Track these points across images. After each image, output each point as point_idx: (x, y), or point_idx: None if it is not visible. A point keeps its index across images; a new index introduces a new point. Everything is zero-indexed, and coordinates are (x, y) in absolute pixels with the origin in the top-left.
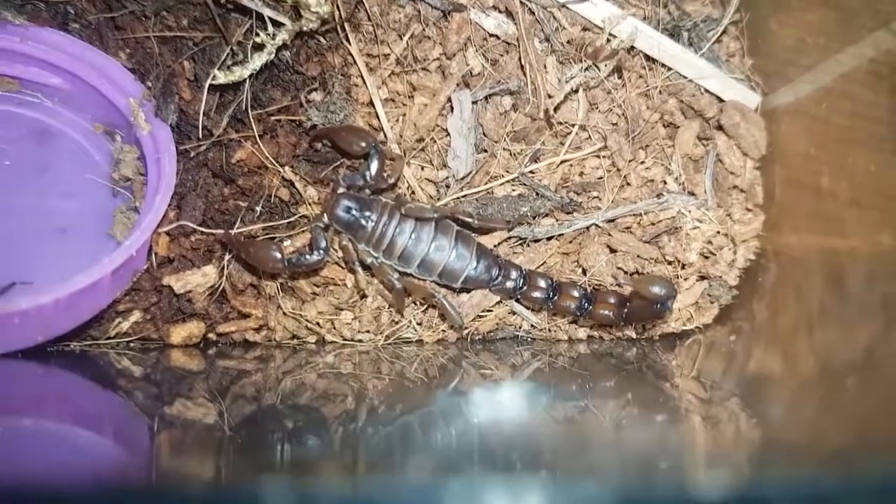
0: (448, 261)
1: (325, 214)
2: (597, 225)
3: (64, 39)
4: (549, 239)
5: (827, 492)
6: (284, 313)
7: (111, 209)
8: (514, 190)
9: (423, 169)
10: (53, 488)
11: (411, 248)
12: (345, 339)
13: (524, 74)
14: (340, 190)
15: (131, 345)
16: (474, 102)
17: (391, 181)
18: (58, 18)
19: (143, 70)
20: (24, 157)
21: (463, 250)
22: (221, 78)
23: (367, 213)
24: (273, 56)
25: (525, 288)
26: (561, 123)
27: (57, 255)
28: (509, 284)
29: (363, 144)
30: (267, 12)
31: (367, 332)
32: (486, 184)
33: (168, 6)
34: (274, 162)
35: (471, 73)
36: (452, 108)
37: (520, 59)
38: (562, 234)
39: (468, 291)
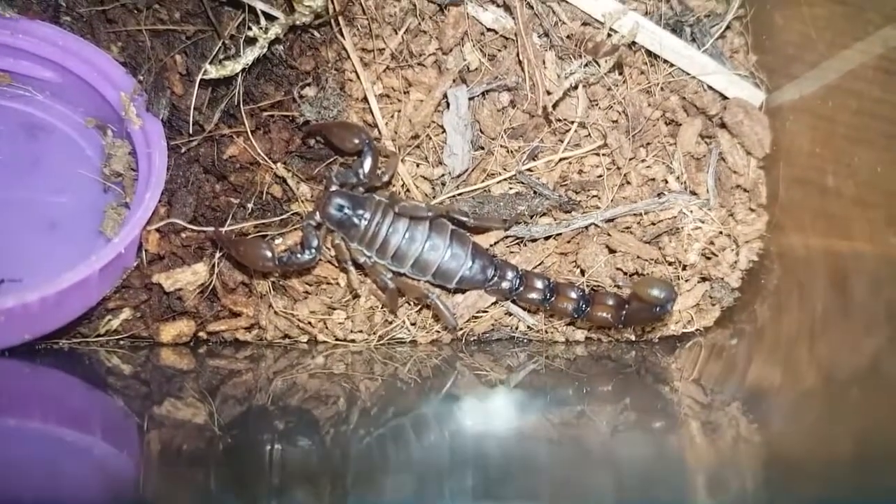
0: (443, 260)
1: (317, 212)
2: (596, 224)
3: (55, 32)
4: (546, 239)
5: None
6: (276, 312)
7: (102, 205)
8: (511, 188)
9: (418, 166)
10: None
11: (405, 247)
12: (337, 339)
13: (522, 70)
14: (333, 187)
15: (121, 343)
16: (471, 98)
17: (385, 179)
18: (49, 11)
19: (135, 64)
20: (15, 151)
21: (458, 250)
22: (213, 72)
23: (360, 212)
24: (266, 50)
25: (521, 289)
26: (560, 120)
27: (47, 252)
28: (505, 285)
29: (356, 141)
30: (259, 5)
31: (360, 332)
32: (482, 182)
33: None
34: (266, 158)
35: (468, 68)
36: (448, 105)
37: (518, 54)
38: (560, 234)
39: (463, 292)
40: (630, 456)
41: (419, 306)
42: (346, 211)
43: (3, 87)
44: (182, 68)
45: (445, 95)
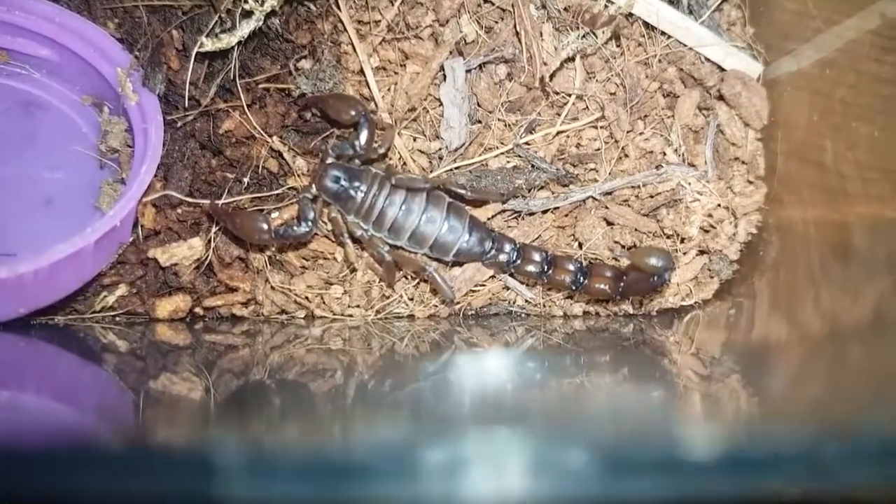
0: (440, 233)
1: (313, 185)
2: (594, 198)
3: (51, 9)
4: (544, 212)
5: (829, 451)
6: (272, 287)
7: (98, 181)
8: (508, 162)
9: (415, 140)
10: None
11: (401, 219)
12: (334, 314)
13: (519, 42)
14: (329, 160)
15: (117, 319)
16: (468, 71)
17: (381, 151)
18: None
19: (132, 40)
20: (12, 128)
21: (455, 222)
22: (209, 45)
23: (356, 184)
24: (261, 23)
25: (519, 261)
26: (557, 93)
27: (43, 227)
28: (502, 258)
29: (352, 113)
30: None
31: (358, 306)
32: (479, 155)
33: None
34: (262, 132)
35: (464, 40)
36: (445, 77)
37: (515, 25)
38: (557, 208)
39: (461, 265)
40: (623, 410)
41: (417, 280)
42: (343, 183)
43: (1, 64)
44: (178, 44)
45: (442, 68)
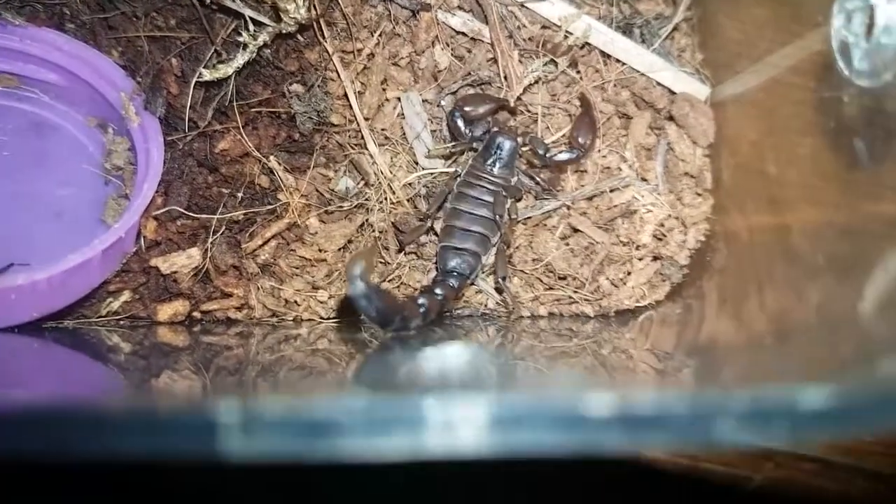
0: None
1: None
2: (567, 206)
3: (60, 38)
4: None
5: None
6: (263, 292)
7: (103, 196)
8: None
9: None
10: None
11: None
12: (321, 318)
13: (496, 64)
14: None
15: (121, 322)
16: (451, 94)
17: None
18: (54, 19)
19: (134, 66)
20: (23, 148)
21: None
22: (207, 75)
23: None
24: (255, 54)
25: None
26: (528, 112)
27: (53, 239)
28: None
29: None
30: (249, 13)
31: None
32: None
33: (157, 7)
34: (256, 151)
35: (437, 68)
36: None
37: (489, 50)
38: (529, 217)
39: None
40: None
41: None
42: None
43: (12, 89)
44: (178, 70)
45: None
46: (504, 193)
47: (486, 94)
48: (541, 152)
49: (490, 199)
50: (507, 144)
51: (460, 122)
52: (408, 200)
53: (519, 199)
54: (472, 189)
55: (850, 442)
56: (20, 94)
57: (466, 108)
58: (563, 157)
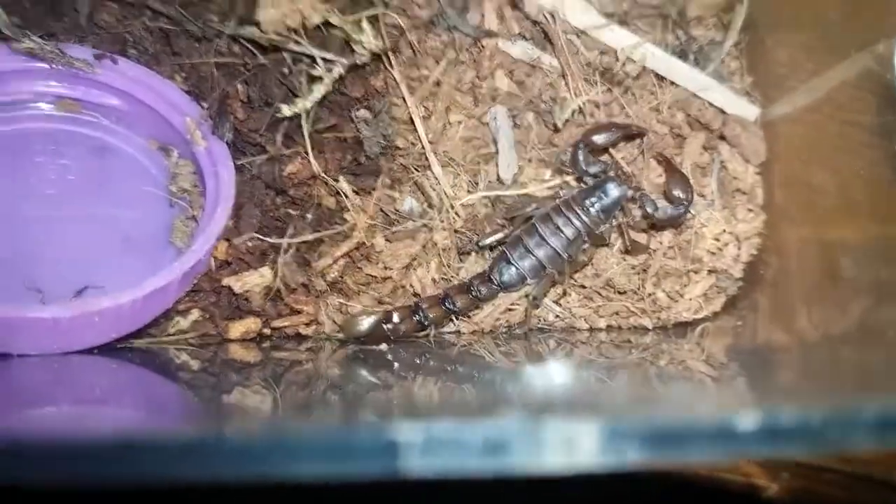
0: None
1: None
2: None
3: (123, 64)
4: None
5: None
6: (332, 309)
7: (169, 219)
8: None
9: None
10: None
11: None
12: None
13: (551, 89)
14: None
15: (190, 341)
16: (513, 117)
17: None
18: (117, 45)
19: (198, 91)
20: (86, 172)
21: None
22: (287, 111)
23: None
24: (330, 87)
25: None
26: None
27: (123, 261)
28: None
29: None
30: (317, 53)
31: None
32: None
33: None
34: (324, 174)
35: (499, 93)
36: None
37: (546, 76)
38: None
39: None
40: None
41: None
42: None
43: (74, 114)
44: (243, 96)
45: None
46: (586, 237)
47: (614, 122)
48: (649, 210)
49: (570, 234)
50: (615, 192)
51: (581, 154)
52: (466, 221)
53: (599, 246)
54: (559, 217)
55: (877, 454)
56: (81, 119)
57: (594, 138)
58: (671, 212)
